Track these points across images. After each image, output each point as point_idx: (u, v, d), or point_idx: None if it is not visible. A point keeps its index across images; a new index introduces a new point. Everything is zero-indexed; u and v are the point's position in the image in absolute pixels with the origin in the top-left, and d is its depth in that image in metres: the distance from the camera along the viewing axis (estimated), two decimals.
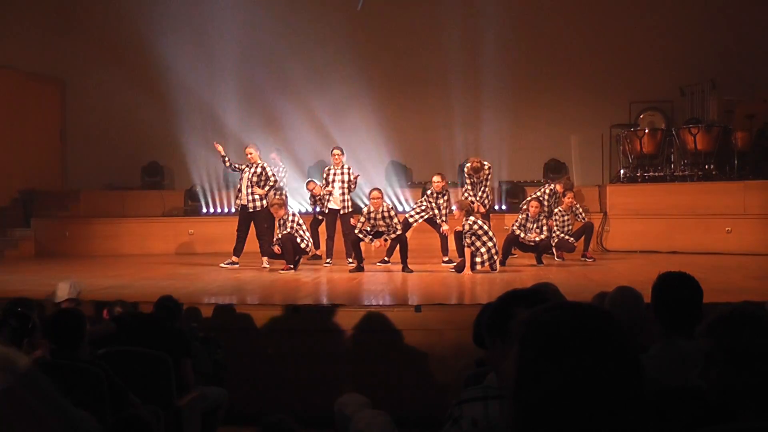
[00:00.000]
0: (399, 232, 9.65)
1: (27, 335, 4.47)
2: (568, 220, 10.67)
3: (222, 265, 10.11)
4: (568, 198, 10.69)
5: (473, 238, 9.03)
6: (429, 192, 10.50)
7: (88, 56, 14.72)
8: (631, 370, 1.28)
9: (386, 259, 10.39)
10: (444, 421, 2.56)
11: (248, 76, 14.42)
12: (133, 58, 14.63)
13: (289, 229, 9.76)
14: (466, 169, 10.85)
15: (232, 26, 14.35)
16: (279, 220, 9.90)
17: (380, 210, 9.66)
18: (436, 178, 10.41)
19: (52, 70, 14.79)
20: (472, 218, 9.09)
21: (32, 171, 14.13)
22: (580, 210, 10.99)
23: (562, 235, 10.54)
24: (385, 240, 9.80)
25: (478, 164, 10.56)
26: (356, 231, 9.76)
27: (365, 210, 9.80)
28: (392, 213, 9.76)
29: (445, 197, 10.38)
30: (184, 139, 14.59)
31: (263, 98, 14.32)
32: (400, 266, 9.50)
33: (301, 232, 9.79)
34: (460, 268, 9.18)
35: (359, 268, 9.57)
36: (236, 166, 10.38)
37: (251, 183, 10.16)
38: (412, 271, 9.34)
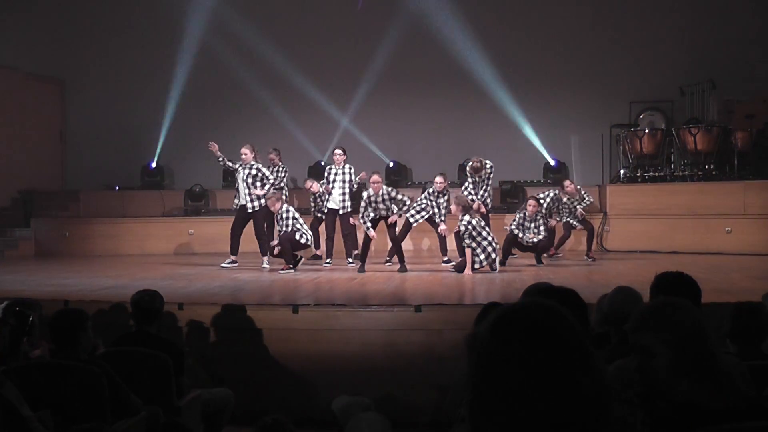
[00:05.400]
0: (407, 205, 9.72)
1: (26, 334, 4.48)
2: (574, 202, 10.84)
3: (222, 265, 10.12)
4: (569, 185, 10.86)
5: (470, 238, 9.02)
6: (430, 190, 10.50)
7: (88, 56, 14.73)
8: (577, 365, 1.28)
9: (388, 259, 10.37)
10: (453, 421, 2.62)
11: (248, 76, 14.41)
12: (133, 58, 14.64)
13: (286, 225, 9.77)
14: (467, 168, 10.86)
15: (232, 26, 14.34)
16: (277, 215, 9.91)
17: (380, 193, 9.66)
18: (438, 179, 10.38)
19: (52, 70, 14.80)
20: (467, 218, 9.01)
21: (32, 171, 14.13)
22: (584, 192, 11.10)
23: (569, 219, 10.86)
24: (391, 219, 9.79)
25: (479, 164, 10.56)
26: (360, 218, 9.75)
27: (365, 195, 9.77)
28: (393, 193, 9.76)
29: (445, 197, 10.39)
30: (184, 139, 14.60)
31: (263, 97, 14.32)
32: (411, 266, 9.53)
33: (298, 226, 9.77)
34: (460, 268, 9.17)
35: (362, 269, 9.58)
36: (230, 165, 10.35)
37: (247, 184, 10.12)
38: (407, 270, 9.38)
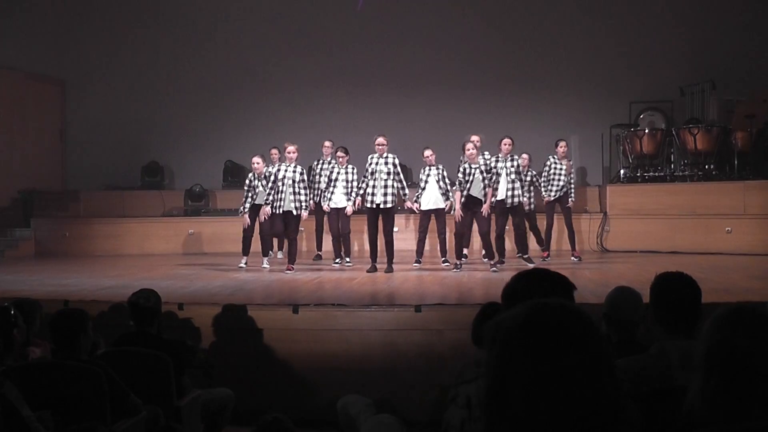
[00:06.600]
0: (406, 192, 9.73)
1: (13, 326, 4.44)
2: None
3: (240, 265, 10.08)
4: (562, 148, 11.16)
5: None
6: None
7: (88, 56, 14.73)
8: (602, 368, 1.30)
9: (419, 259, 10.08)
10: (447, 404, 2.74)
11: (248, 75, 14.42)
12: (133, 59, 14.64)
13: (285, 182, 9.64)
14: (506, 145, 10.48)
15: (233, 26, 14.35)
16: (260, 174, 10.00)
17: (384, 155, 9.56)
18: (427, 152, 10.08)
19: (52, 70, 14.79)
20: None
21: (32, 171, 14.13)
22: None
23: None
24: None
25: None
26: (356, 188, 9.77)
27: (369, 158, 9.64)
28: (397, 161, 9.59)
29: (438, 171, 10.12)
30: (184, 139, 14.60)
31: (262, 97, 14.33)
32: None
33: (299, 197, 9.60)
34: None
35: (373, 268, 9.51)
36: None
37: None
38: (392, 271, 9.37)
